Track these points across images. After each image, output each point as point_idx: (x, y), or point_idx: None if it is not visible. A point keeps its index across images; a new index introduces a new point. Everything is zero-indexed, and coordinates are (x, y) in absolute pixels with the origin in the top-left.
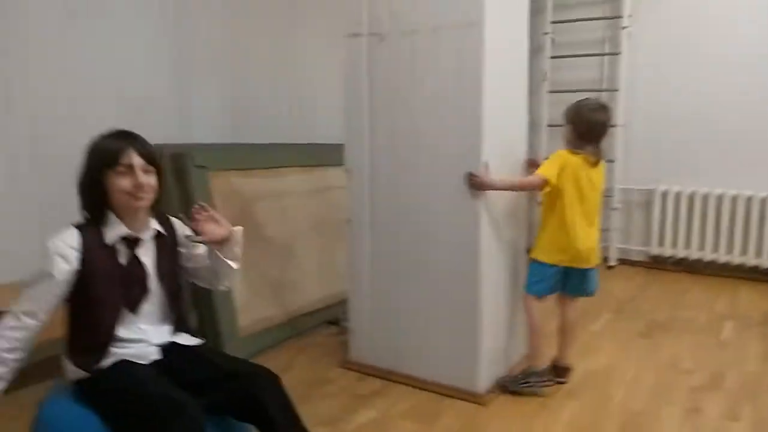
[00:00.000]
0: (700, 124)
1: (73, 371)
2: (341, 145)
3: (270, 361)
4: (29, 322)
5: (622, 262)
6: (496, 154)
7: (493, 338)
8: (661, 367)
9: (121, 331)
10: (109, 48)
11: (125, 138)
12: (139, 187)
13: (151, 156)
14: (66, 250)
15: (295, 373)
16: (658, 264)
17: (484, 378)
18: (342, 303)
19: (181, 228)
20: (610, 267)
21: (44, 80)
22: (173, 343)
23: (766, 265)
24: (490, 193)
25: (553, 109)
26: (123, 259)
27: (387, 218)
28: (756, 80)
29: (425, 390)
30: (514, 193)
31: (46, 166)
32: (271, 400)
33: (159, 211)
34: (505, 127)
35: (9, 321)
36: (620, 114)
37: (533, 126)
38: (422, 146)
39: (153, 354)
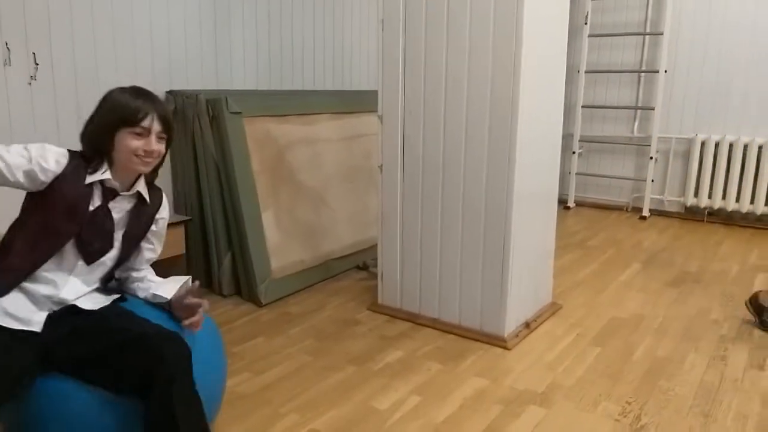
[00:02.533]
0: (744, 70)
1: None
2: (374, 92)
3: (301, 303)
4: None
5: (656, 213)
6: (533, 100)
7: (521, 284)
8: (689, 316)
9: (45, 269)
10: None
11: (148, 99)
12: (149, 152)
13: (169, 124)
14: (48, 161)
15: (326, 314)
16: (692, 215)
17: (510, 322)
18: (371, 248)
19: (166, 211)
20: (643, 217)
21: (85, 29)
22: (74, 307)
23: None
24: (523, 138)
25: (593, 54)
26: (94, 204)
27: (419, 164)
28: None
29: (451, 333)
30: (548, 140)
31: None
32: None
33: (153, 181)
34: (542, 74)
35: None
36: (663, 60)
37: (570, 71)
38: (457, 92)
39: (36, 320)
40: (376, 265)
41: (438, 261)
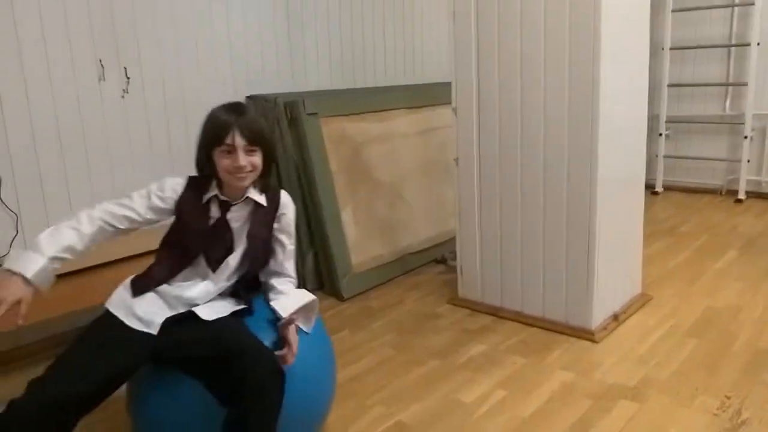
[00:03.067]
0: None
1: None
2: (448, 84)
3: (382, 297)
4: (99, 221)
5: (753, 195)
6: (614, 82)
7: (608, 274)
8: None
9: (180, 278)
10: (223, 2)
11: (233, 114)
12: (238, 168)
13: (255, 136)
14: (165, 191)
15: (406, 308)
16: None
17: (597, 314)
18: (449, 242)
19: (288, 209)
20: (738, 200)
21: (169, 41)
22: (192, 314)
23: None
24: (606, 122)
25: (678, 30)
26: (213, 218)
27: (495, 156)
28: None
29: (535, 326)
30: (632, 123)
31: (176, 119)
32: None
33: (268, 184)
34: (624, 54)
35: (74, 218)
36: (755, 32)
37: (654, 49)
38: (533, 79)
39: (156, 323)
40: (454, 259)
41: (519, 252)
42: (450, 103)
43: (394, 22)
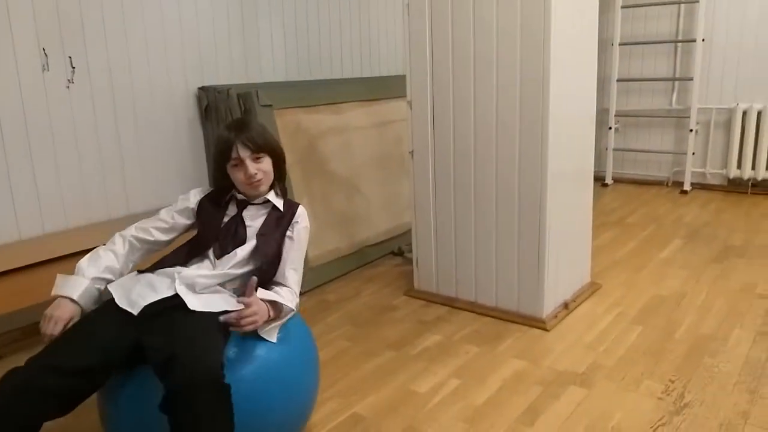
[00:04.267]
0: None
1: None
2: (403, 77)
3: (338, 290)
4: (139, 236)
5: (698, 186)
6: (564, 76)
7: (558, 264)
8: (733, 292)
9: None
10: None
11: (233, 131)
12: (250, 177)
13: (259, 144)
14: (189, 198)
15: (363, 300)
16: (736, 187)
17: (548, 303)
18: (406, 234)
19: (304, 219)
20: (684, 192)
21: (117, 30)
22: (176, 297)
23: None
24: (556, 116)
25: (626, 27)
26: (229, 215)
27: (450, 148)
28: None
29: (488, 316)
30: (582, 117)
31: (124, 109)
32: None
33: (282, 189)
34: (573, 49)
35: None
36: (700, 28)
37: (604, 44)
38: (486, 73)
39: (139, 305)
40: (411, 251)
41: (473, 244)
42: (405, 96)
43: (350, 13)
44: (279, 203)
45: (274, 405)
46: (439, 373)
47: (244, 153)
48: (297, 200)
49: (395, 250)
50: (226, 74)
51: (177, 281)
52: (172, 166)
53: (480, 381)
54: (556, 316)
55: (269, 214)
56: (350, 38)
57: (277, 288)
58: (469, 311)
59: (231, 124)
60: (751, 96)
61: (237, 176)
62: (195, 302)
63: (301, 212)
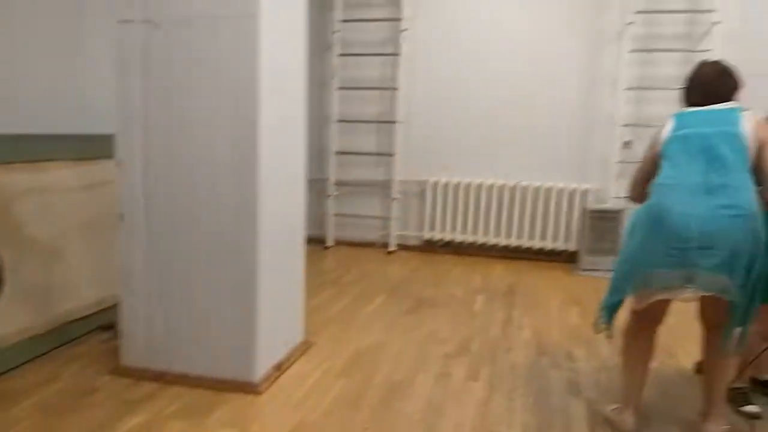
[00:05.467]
0: (466, 122)
1: None
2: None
3: (29, 375)
4: None
5: (401, 247)
6: (274, 146)
7: (270, 327)
8: (421, 339)
9: None
10: None
11: None
12: None
13: None
14: None
15: (60, 385)
16: (430, 247)
17: (260, 367)
18: (119, 305)
19: None
20: (390, 252)
21: None
22: None
23: (513, 244)
24: (266, 183)
25: (342, 105)
26: None
27: (162, 213)
28: (514, 87)
29: (200, 387)
30: (290, 182)
31: None
32: None
33: None
34: (283, 122)
35: None
36: (399, 111)
37: (324, 120)
38: (198, 138)
39: None
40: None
41: (186, 312)
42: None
43: (58, 61)
44: None
45: None
46: None
47: None
48: None
49: (104, 323)
50: None
51: None
52: None
53: None
54: (268, 379)
55: None
56: (56, 89)
57: None
58: (181, 384)
59: None
60: (440, 170)
61: None
62: None
63: None
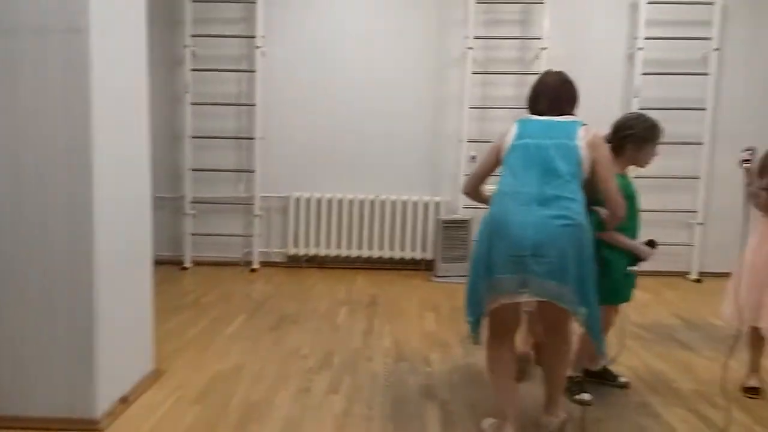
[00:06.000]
0: (321, 138)
1: None
2: None
3: None
4: None
5: (265, 264)
6: (112, 165)
7: (113, 358)
8: (283, 356)
9: None
10: None
11: None
12: None
13: None
14: None
15: None
16: (295, 263)
17: (102, 401)
18: None
19: None
20: (253, 270)
21: None
22: None
23: (376, 255)
24: (104, 199)
25: (197, 121)
26: None
27: None
28: (369, 106)
29: (34, 429)
30: (134, 202)
31: None
32: None
33: None
34: (122, 139)
35: None
36: (258, 128)
37: (178, 137)
38: (26, 158)
39: None
40: None
41: (17, 347)
42: None
43: None
44: None
45: None
46: None
47: None
48: None
49: None
50: None
51: None
52: None
53: None
54: (112, 414)
55: None
56: None
57: None
58: (13, 428)
59: None
60: (302, 185)
61: None
62: None
63: None
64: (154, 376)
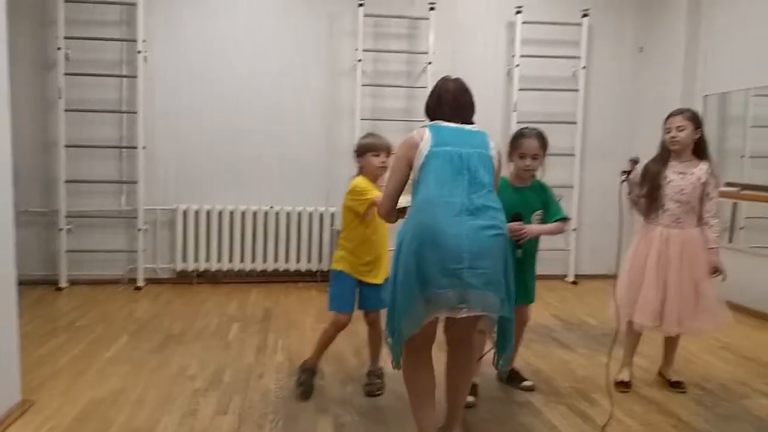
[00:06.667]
0: (210, 147)
1: None
2: None
3: None
4: None
5: (151, 281)
6: None
7: None
8: (168, 379)
9: None
10: None
11: None
12: None
13: None
14: None
15: None
16: (183, 279)
17: None
18: None
19: None
20: (138, 288)
21: None
22: None
23: (270, 268)
24: None
25: (72, 129)
26: None
27: None
28: (260, 115)
29: None
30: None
31: None
32: None
33: None
34: None
35: None
36: (141, 137)
37: (50, 145)
38: None
39: None
40: None
41: None
42: None
43: None
44: None
45: None
46: None
47: None
48: None
49: None
50: None
51: None
52: None
53: None
54: None
55: None
56: None
57: None
58: None
59: None
60: (190, 197)
61: None
62: None
63: None
64: (22, 408)
